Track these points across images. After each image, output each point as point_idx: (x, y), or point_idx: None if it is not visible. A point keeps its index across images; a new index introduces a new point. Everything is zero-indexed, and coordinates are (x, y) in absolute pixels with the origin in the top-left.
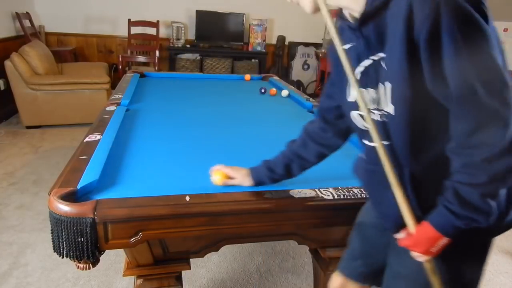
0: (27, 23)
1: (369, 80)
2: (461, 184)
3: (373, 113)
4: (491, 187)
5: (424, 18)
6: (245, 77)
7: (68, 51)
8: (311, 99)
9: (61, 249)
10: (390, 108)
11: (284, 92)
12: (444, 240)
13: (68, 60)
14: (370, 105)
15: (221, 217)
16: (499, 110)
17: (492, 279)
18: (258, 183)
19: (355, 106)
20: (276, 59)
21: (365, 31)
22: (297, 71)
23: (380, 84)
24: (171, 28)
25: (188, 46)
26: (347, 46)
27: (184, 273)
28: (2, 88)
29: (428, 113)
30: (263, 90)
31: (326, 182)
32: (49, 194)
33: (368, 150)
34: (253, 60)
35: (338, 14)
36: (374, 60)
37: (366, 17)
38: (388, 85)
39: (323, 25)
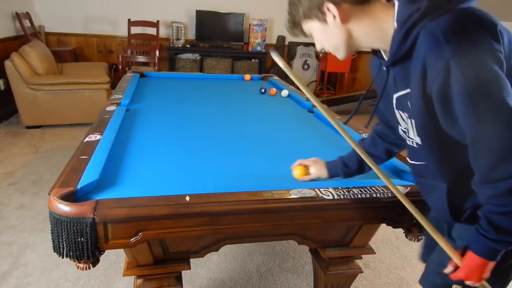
0: (27, 23)
1: (401, 107)
2: (492, 214)
3: (410, 139)
4: None
5: (436, 74)
6: (245, 77)
7: (68, 51)
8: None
9: (61, 249)
10: (417, 139)
11: (284, 92)
12: (491, 264)
13: (68, 60)
14: (403, 128)
15: (221, 217)
16: None
17: None
18: (333, 176)
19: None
20: None
21: (393, 71)
22: (297, 71)
23: (407, 119)
24: (171, 28)
25: (188, 46)
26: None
27: (184, 273)
28: (2, 88)
29: (449, 141)
30: (263, 90)
31: (326, 182)
32: (49, 194)
33: (411, 165)
34: (253, 60)
35: (372, 51)
36: (401, 95)
37: (394, 62)
38: (412, 120)
39: None
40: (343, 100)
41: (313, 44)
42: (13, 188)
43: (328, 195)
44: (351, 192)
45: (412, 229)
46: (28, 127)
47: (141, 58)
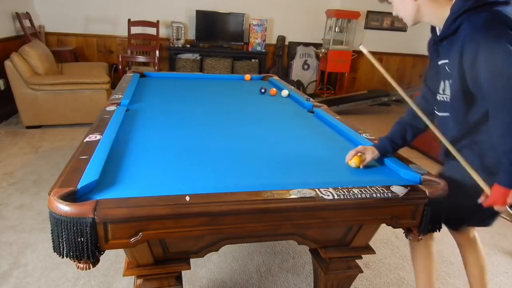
0: (27, 23)
1: (445, 74)
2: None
3: (445, 95)
4: None
5: (469, 51)
6: (245, 77)
7: (68, 51)
8: (311, 99)
9: (61, 249)
10: (448, 94)
11: (284, 92)
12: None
13: (68, 60)
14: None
15: (221, 217)
16: None
17: (492, 279)
18: (383, 153)
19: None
20: (276, 59)
21: (440, 44)
22: (297, 71)
23: (445, 80)
24: (171, 28)
25: (188, 46)
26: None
27: (184, 273)
28: (2, 88)
29: (469, 101)
30: (263, 90)
31: (326, 182)
32: (49, 194)
33: (437, 117)
34: (253, 60)
35: (431, 27)
36: (442, 63)
37: (443, 37)
38: (449, 82)
39: (323, 25)
40: (343, 100)
41: (313, 44)
42: (13, 188)
43: (328, 195)
44: (351, 192)
45: (412, 229)
46: (28, 127)
47: (141, 58)
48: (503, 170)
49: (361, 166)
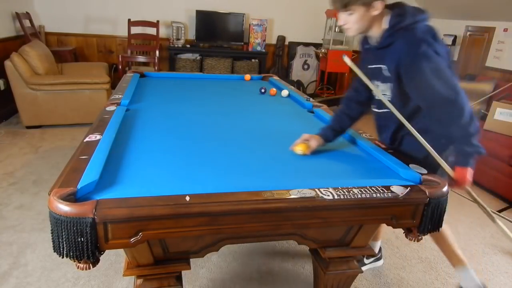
0: (27, 23)
1: (376, 76)
2: (460, 142)
3: (385, 95)
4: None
5: (404, 59)
6: (245, 77)
7: (68, 51)
8: (311, 99)
9: (61, 249)
10: (389, 94)
11: (284, 92)
12: (471, 170)
13: (68, 60)
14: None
15: (221, 217)
16: (453, 100)
17: (492, 279)
18: (327, 140)
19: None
20: (276, 59)
21: (377, 52)
22: (297, 71)
23: (383, 83)
24: (171, 28)
25: (188, 46)
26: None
27: (184, 273)
28: (2, 88)
29: (405, 97)
30: (263, 90)
31: (326, 182)
32: (49, 194)
33: (376, 113)
34: (253, 60)
35: (363, 36)
36: (377, 67)
37: (381, 47)
38: (390, 84)
39: (323, 25)
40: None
41: (313, 44)
42: (13, 188)
43: (328, 195)
44: (351, 192)
45: (412, 229)
46: (28, 127)
47: (141, 58)
48: (460, 154)
49: (308, 153)
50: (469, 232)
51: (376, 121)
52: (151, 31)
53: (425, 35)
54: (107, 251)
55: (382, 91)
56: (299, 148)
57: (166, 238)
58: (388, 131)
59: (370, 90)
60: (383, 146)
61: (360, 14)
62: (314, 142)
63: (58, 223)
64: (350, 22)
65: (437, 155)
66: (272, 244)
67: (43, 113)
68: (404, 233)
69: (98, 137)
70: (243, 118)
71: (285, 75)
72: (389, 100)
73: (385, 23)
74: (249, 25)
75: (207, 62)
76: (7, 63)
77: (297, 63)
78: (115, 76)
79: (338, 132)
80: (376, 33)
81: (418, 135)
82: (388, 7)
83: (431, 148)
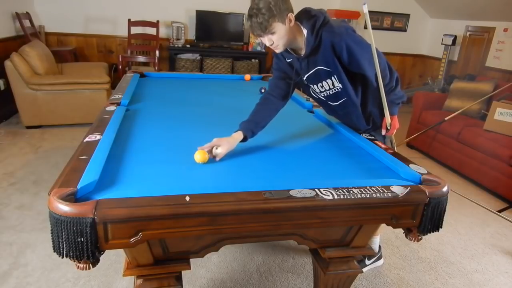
0: (27, 23)
1: (318, 78)
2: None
3: (333, 89)
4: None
5: (340, 47)
6: (245, 77)
7: (68, 51)
8: (311, 99)
9: (61, 249)
10: (339, 86)
11: None
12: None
13: (68, 60)
14: (325, 88)
15: (221, 217)
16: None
17: (492, 279)
18: (248, 135)
19: (311, 88)
20: None
21: (306, 60)
22: None
23: (329, 79)
24: (171, 28)
25: (188, 46)
26: (289, 60)
27: (184, 273)
28: (2, 88)
29: (355, 79)
30: (263, 90)
31: (326, 182)
32: (49, 194)
33: (331, 107)
34: (253, 60)
35: (280, 53)
36: (315, 70)
37: (308, 55)
38: (335, 77)
39: None
40: None
41: None
42: (13, 188)
43: (328, 195)
44: (351, 192)
45: (412, 229)
46: (28, 127)
47: (141, 58)
48: (392, 106)
49: (217, 159)
50: (469, 232)
51: (336, 113)
52: (151, 31)
53: (339, 23)
54: (107, 251)
55: (331, 86)
56: (197, 157)
57: (166, 238)
58: (356, 117)
59: (290, 86)
60: (383, 146)
61: (281, 30)
62: (224, 148)
63: (58, 223)
64: (276, 40)
65: (388, 113)
66: (272, 244)
67: (43, 113)
68: (404, 233)
69: (98, 137)
70: (243, 118)
71: None
72: (340, 91)
73: (303, 30)
74: None
75: (207, 62)
76: (7, 63)
77: None
78: (115, 76)
79: (260, 127)
80: (300, 42)
81: (384, 98)
82: (296, 17)
83: (387, 109)
